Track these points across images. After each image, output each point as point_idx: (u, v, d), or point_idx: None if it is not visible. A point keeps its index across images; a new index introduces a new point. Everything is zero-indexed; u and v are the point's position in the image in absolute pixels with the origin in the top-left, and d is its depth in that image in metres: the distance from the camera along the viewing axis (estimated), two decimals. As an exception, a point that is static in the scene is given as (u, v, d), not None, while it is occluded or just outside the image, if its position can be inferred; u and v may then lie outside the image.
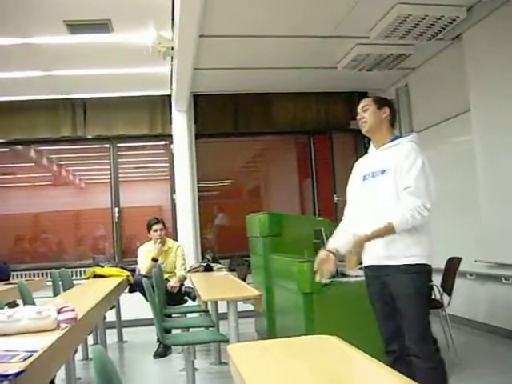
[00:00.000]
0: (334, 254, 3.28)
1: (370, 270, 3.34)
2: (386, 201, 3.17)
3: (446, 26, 5.54)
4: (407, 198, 3.08)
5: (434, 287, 5.00)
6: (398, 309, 3.18)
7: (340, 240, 3.36)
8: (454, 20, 5.43)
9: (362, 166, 3.48)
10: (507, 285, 5.41)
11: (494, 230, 5.44)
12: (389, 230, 3.07)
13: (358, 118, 3.42)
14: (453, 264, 5.18)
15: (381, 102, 3.40)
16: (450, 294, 5.04)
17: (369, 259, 3.34)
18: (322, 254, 3.30)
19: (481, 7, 5.33)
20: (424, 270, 3.27)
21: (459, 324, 6.10)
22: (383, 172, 3.21)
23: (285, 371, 1.81)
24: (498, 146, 5.40)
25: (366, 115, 3.36)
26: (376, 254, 3.24)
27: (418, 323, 3.14)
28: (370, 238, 3.15)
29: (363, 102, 3.42)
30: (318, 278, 3.29)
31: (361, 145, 8.94)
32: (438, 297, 5.04)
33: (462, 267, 5.16)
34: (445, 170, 6.56)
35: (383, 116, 3.34)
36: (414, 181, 3.06)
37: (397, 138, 3.35)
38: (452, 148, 6.55)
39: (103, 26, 5.36)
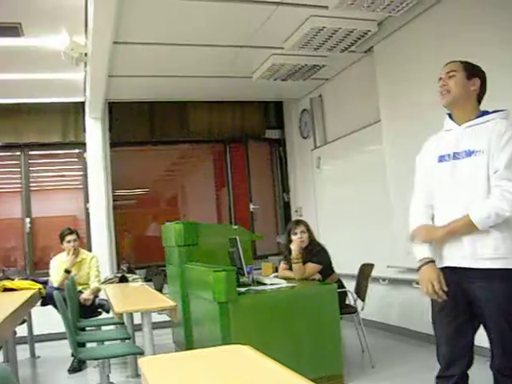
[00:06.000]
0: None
1: (449, 273, 2.70)
2: (472, 190, 2.62)
3: (358, 38, 5.72)
4: (495, 183, 2.54)
5: (348, 293, 5.13)
6: (478, 323, 2.71)
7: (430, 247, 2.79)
8: (366, 33, 5.61)
9: (437, 144, 2.87)
10: (418, 289, 5.58)
11: (405, 235, 5.61)
12: (469, 226, 2.56)
13: (439, 84, 2.81)
14: (366, 270, 5.31)
15: (472, 70, 2.77)
16: (363, 299, 5.16)
17: (450, 259, 2.73)
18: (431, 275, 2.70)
19: (391, 22, 5.52)
20: None
21: (373, 328, 6.25)
22: (470, 154, 2.64)
23: (195, 383, 1.80)
24: (407, 154, 5.57)
25: (451, 83, 2.74)
26: (460, 253, 2.66)
27: (507, 339, 2.59)
28: (446, 235, 2.67)
29: (450, 66, 2.80)
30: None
31: (276, 153, 9.08)
32: (351, 302, 5.15)
33: (375, 273, 5.30)
34: (357, 178, 6.76)
35: (471, 89, 2.74)
36: (505, 162, 2.51)
37: (485, 113, 2.72)
38: (364, 157, 6.72)
39: (13, 30, 5.16)
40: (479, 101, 2.78)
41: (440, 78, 2.81)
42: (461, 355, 2.73)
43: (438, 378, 2.81)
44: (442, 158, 2.78)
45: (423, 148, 2.99)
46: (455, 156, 2.70)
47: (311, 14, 5.20)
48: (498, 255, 2.55)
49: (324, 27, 5.32)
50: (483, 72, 2.81)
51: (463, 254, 2.65)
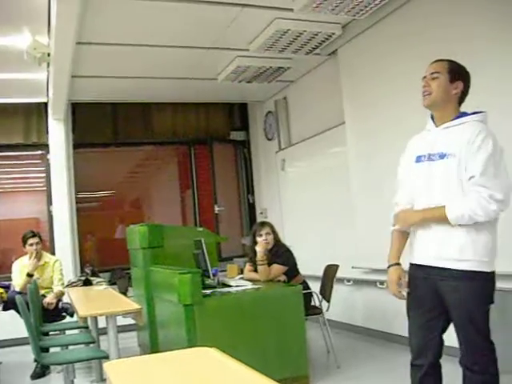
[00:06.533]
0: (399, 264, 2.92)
1: (419, 270, 2.84)
2: (445, 193, 2.69)
3: (323, 41, 5.78)
4: (473, 188, 2.57)
5: (313, 294, 5.15)
6: (449, 319, 2.78)
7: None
8: (330, 36, 5.67)
9: (417, 144, 2.93)
10: (382, 289, 5.65)
11: (368, 236, 5.68)
12: (443, 218, 2.62)
13: (422, 84, 2.83)
14: (330, 271, 5.35)
15: (456, 73, 2.78)
16: (328, 300, 5.19)
17: (418, 257, 2.85)
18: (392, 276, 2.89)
19: (355, 25, 5.57)
20: (484, 278, 2.66)
21: (338, 328, 6.29)
22: (443, 156, 2.70)
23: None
24: (371, 156, 5.66)
25: (433, 86, 2.77)
26: (427, 253, 2.77)
27: (473, 336, 2.68)
28: (421, 222, 2.75)
29: (435, 67, 2.82)
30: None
31: (241, 155, 9.09)
32: (317, 303, 5.17)
33: (340, 274, 5.34)
34: (321, 180, 6.81)
35: (453, 92, 2.76)
36: (480, 168, 2.55)
37: (463, 115, 2.76)
38: (328, 158, 6.77)
39: (-27, 29, 5.09)
40: (460, 102, 2.82)
41: (424, 77, 2.84)
42: (429, 347, 2.82)
43: (411, 365, 2.91)
44: (419, 159, 2.84)
45: (406, 147, 3.01)
46: (430, 157, 2.76)
47: (276, 17, 5.22)
48: (465, 257, 2.63)
49: (289, 30, 5.35)
50: (467, 73, 2.82)
51: (430, 254, 2.75)
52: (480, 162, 2.56)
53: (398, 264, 2.91)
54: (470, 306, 2.65)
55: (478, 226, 2.61)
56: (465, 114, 2.75)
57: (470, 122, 2.69)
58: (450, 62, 2.81)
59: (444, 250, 2.69)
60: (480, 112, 2.74)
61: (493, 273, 2.67)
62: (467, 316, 2.67)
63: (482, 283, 2.66)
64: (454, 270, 2.65)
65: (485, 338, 2.69)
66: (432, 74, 2.79)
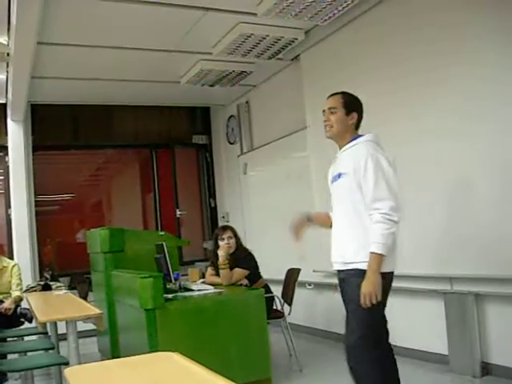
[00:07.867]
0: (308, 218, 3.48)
1: (337, 274, 3.30)
2: (341, 206, 3.18)
3: (286, 46, 5.81)
4: (371, 207, 2.95)
5: (275, 298, 5.16)
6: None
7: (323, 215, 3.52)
8: (293, 41, 5.72)
9: (331, 169, 3.36)
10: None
11: (329, 240, 5.70)
12: (378, 258, 2.89)
13: (323, 118, 3.24)
14: (292, 274, 5.36)
15: (350, 106, 3.19)
16: (290, 304, 5.21)
17: (332, 263, 3.29)
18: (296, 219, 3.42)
19: (317, 31, 5.63)
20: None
21: (300, 332, 6.33)
22: (340, 175, 3.14)
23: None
24: (332, 161, 5.69)
25: (333, 120, 3.18)
26: (334, 260, 3.25)
27: (357, 326, 3.05)
28: (375, 272, 2.91)
29: (332, 102, 3.22)
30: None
31: (203, 159, 9.07)
32: (278, 307, 5.19)
33: (301, 277, 5.36)
34: (283, 183, 6.83)
35: (350, 122, 3.18)
36: (371, 186, 2.94)
37: (356, 137, 3.17)
38: (290, 163, 6.80)
39: None
40: (357, 128, 3.23)
41: (323, 111, 3.23)
42: None
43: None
44: (332, 180, 3.29)
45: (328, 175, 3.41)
46: (334, 178, 3.22)
47: (240, 21, 5.24)
48: (359, 259, 3.00)
49: (252, 34, 5.37)
50: (360, 103, 3.24)
51: (334, 259, 3.25)
52: (370, 179, 2.95)
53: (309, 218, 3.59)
54: (356, 292, 2.95)
55: (366, 234, 2.96)
56: (358, 137, 3.17)
57: (359, 143, 3.11)
58: (344, 95, 3.23)
59: (342, 254, 3.13)
60: (370, 134, 3.15)
61: (388, 273, 3.01)
62: (354, 303, 3.01)
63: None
64: (351, 269, 3.06)
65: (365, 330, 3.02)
66: (330, 108, 3.20)
